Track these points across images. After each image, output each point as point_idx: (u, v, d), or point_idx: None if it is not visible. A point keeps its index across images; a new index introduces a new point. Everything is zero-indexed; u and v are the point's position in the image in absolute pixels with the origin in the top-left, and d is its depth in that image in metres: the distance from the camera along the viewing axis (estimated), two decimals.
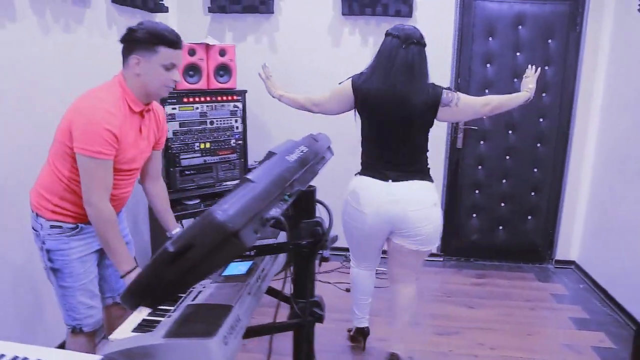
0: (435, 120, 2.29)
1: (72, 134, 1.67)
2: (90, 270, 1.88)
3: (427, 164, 2.36)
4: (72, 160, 1.72)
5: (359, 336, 2.73)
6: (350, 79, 2.37)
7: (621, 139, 3.36)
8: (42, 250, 1.83)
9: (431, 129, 2.33)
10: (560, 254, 4.00)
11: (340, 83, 2.43)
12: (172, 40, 1.71)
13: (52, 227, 1.80)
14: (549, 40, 3.70)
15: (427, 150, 2.36)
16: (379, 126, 2.31)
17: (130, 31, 1.72)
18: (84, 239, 1.84)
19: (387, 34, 2.28)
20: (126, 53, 1.74)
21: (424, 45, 2.26)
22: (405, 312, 2.53)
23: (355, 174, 2.47)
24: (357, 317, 2.72)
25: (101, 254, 1.93)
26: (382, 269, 3.76)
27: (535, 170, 3.90)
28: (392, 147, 2.30)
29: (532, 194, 3.94)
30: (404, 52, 2.19)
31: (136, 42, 1.71)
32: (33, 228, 1.85)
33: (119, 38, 1.75)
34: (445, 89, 2.24)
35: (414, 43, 2.21)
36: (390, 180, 2.28)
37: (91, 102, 1.69)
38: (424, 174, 2.33)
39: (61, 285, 1.84)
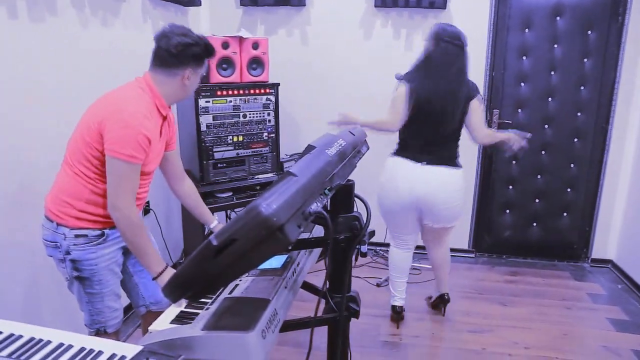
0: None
1: (103, 135, 1.63)
2: (117, 274, 1.87)
3: (458, 152, 2.68)
4: (98, 162, 1.68)
5: (396, 315, 2.93)
6: (404, 84, 2.62)
7: None
8: (64, 262, 1.76)
9: None
10: (597, 252, 3.89)
11: (395, 93, 2.69)
12: (213, 51, 1.78)
13: (76, 236, 1.73)
14: (589, 32, 3.57)
15: (459, 139, 2.68)
16: (425, 118, 2.57)
17: (188, 45, 1.69)
18: (110, 246, 1.80)
19: (440, 39, 2.53)
20: (176, 63, 1.71)
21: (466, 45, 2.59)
22: (446, 265, 2.97)
23: (391, 155, 2.76)
24: (393, 296, 2.93)
25: (124, 254, 1.91)
26: (413, 264, 3.72)
27: (572, 165, 3.79)
28: (431, 135, 2.60)
29: (568, 190, 3.84)
30: (459, 59, 2.55)
31: (193, 57, 1.72)
32: (50, 240, 1.76)
33: (172, 47, 1.69)
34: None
35: (461, 46, 2.55)
36: (424, 163, 2.60)
37: (126, 106, 1.66)
38: (453, 160, 2.65)
39: (88, 292, 1.80)
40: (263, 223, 0.93)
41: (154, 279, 1.75)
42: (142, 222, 1.73)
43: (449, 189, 2.60)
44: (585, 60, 3.62)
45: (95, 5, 2.47)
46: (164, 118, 1.84)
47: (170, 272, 1.75)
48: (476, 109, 2.60)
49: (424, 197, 2.60)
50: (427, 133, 2.61)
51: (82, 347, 1.00)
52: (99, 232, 1.76)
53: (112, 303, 1.86)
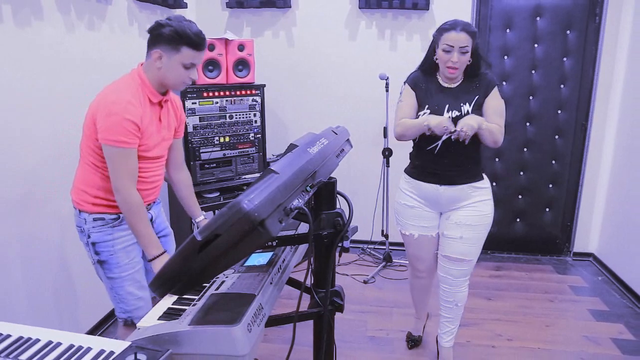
0: None
1: (96, 126, 1.74)
2: (135, 260, 1.93)
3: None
4: (100, 151, 1.78)
5: None
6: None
7: None
8: (87, 245, 1.89)
9: None
10: (579, 246, 3.98)
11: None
12: (196, 43, 1.76)
13: (95, 219, 1.85)
14: (568, 32, 3.66)
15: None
16: None
17: (158, 25, 1.76)
18: (127, 229, 1.89)
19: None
20: (150, 45, 1.79)
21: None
22: None
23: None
24: None
25: None
26: (400, 261, 3.79)
27: (554, 162, 3.88)
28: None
29: (550, 186, 3.92)
30: None
31: (161, 37, 1.75)
32: (77, 226, 1.90)
33: (148, 28, 1.79)
34: None
35: None
36: None
37: (111, 94, 1.75)
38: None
39: (109, 277, 1.90)
40: (245, 218, 0.96)
41: (150, 261, 1.83)
42: (142, 205, 1.81)
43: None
44: (565, 59, 3.70)
45: (81, 9, 2.49)
46: (161, 105, 1.88)
47: (167, 258, 1.80)
48: None
49: None
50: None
51: (71, 344, 1.02)
52: (115, 215, 1.87)
53: (133, 290, 1.92)
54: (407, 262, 3.71)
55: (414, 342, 2.71)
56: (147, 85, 1.82)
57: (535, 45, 3.70)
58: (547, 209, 3.97)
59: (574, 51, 3.68)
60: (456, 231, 2.24)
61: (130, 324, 1.93)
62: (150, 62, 1.80)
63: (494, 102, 2.19)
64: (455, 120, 2.11)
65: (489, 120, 2.16)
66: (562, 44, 3.68)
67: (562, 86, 3.74)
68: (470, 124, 2.03)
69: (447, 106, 2.17)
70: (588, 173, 3.84)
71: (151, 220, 2.02)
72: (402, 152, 3.72)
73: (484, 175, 2.30)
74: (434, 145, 2.18)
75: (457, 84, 2.22)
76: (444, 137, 2.11)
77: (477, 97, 2.18)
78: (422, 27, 3.73)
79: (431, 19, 3.69)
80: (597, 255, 3.91)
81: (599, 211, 3.87)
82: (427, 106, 2.19)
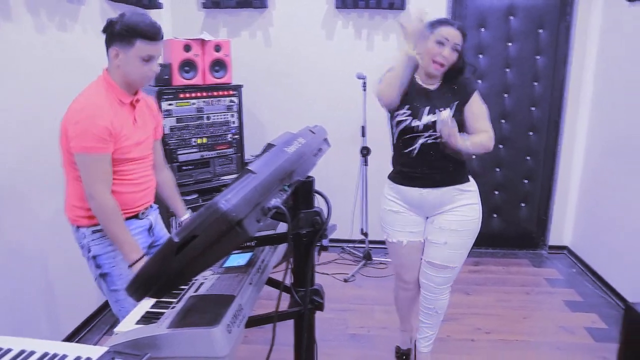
0: None
1: (68, 137, 1.71)
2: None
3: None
4: None
5: None
6: None
7: (611, 126, 3.41)
8: (89, 260, 1.85)
9: None
10: (553, 239, 4.07)
11: None
12: (148, 34, 1.72)
13: (94, 232, 1.83)
14: (540, 30, 3.74)
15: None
16: None
17: (110, 24, 1.73)
18: None
19: None
20: (107, 44, 1.77)
21: None
22: None
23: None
24: None
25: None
26: (380, 259, 3.82)
27: (528, 158, 3.95)
28: None
29: (526, 181, 4.00)
30: None
31: (114, 34, 1.73)
32: (78, 243, 1.87)
33: (102, 29, 1.77)
34: None
35: None
36: None
37: (79, 102, 1.73)
38: None
39: (113, 290, 1.86)
40: (222, 218, 0.96)
41: (130, 266, 1.80)
42: (117, 210, 1.78)
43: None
44: (538, 57, 3.78)
45: (51, 10, 2.44)
46: (133, 105, 1.86)
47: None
48: None
49: None
50: None
51: (45, 353, 0.99)
52: None
53: None
54: (387, 260, 3.75)
55: (404, 355, 2.58)
56: (114, 87, 1.79)
57: (509, 44, 3.77)
58: (523, 204, 4.05)
59: (546, 49, 3.76)
60: (440, 236, 2.17)
61: None
62: (111, 62, 1.78)
63: (477, 107, 2.12)
64: (434, 125, 2.04)
65: (474, 126, 2.10)
66: (535, 43, 3.75)
67: (535, 84, 3.82)
68: (448, 132, 1.95)
69: (427, 109, 2.08)
70: (561, 168, 3.92)
71: (150, 227, 1.99)
72: (381, 151, 3.76)
73: (470, 178, 2.23)
74: (411, 148, 2.12)
75: (436, 86, 2.13)
76: (422, 140, 2.08)
77: (457, 102, 2.10)
78: (398, 26, 3.75)
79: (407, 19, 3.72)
80: (571, 248, 4.00)
81: (572, 205, 3.96)
82: (407, 107, 2.10)
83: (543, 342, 2.76)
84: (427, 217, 2.24)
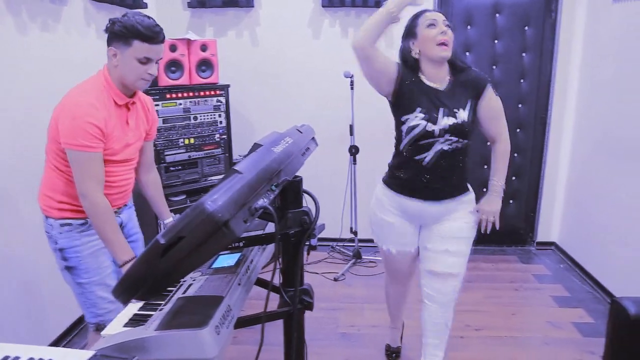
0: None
1: (59, 129, 1.70)
2: (105, 265, 1.89)
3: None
4: (64, 154, 1.74)
5: None
6: None
7: (597, 122, 3.45)
8: (55, 251, 1.86)
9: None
10: (541, 235, 4.10)
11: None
12: (146, 36, 1.71)
13: (62, 225, 1.82)
14: (526, 28, 3.77)
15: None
16: None
17: (111, 23, 1.73)
18: (95, 234, 1.84)
19: None
20: (107, 44, 1.76)
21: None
22: None
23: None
24: None
25: None
26: (370, 257, 3.82)
27: (516, 155, 3.98)
28: None
29: (513, 178, 4.03)
30: None
31: (113, 34, 1.72)
32: (46, 232, 1.87)
33: (103, 28, 1.77)
34: None
35: None
36: None
37: (75, 97, 1.72)
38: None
39: (78, 283, 1.86)
40: (209, 219, 0.95)
41: (120, 266, 1.79)
42: (110, 210, 1.78)
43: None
44: (524, 54, 3.81)
45: (33, 11, 2.41)
46: (128, 107, 1.85)
47: None
48: None
49: None
50: None
51: (31, 358, 0.97)
52: (82, 220, 1.83)
53: (104, 294, 1.87)
54: (376, 258, 3.76)
55: (394, 353, 2.58)
56: (112, 87, 1.78)
57: (496, 41, 3.79)
58: (511, 201, 4.07)
59: (532, 47, 3.79)
60: (440, 244, 2.08)
61: (102, 329, 1.88)
62: (109, 62, 1.77)
63: (492, 104, 1.99)
64: (453, 129, 1.92)
65: (490, 128, 2.03)
66: (521, 40, 3.78)
67: (522, 81, 3.84)
68: (495, 210, 2.03)
69: (442, 111, 1.92)
70: (548, 165, 3.96)
71: (121, 225, 1.98)
72: (369, 149, 3.77)
73: (469, 186, 2.14)
74: (423, 156, 1.96)
75: (445, 85, 1.97)
76: (438, 147, 1.94)
77: (469, 100, 1.96)
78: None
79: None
80: (558, 244, 4.04)
81: (559, 202, 4.00)
82: (419, 109, 1.93)
83: (531, 337, 2.78)
84: (421, 226, 2.14)
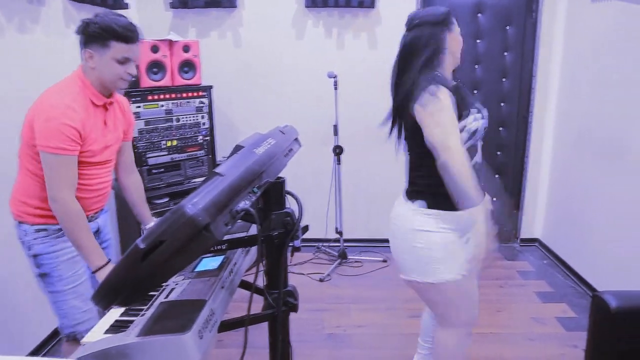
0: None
1: (34, 131, 1.66)
2: (80, 272, 1.85)
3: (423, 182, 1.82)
4: (39, 157, 1.70)
5: None
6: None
7: (578, 120, 3.49)
8: (29, 258, 1.81)
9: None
10: (525, 232, 4.15)
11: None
12: (124, 36, 1.69)
13: (37, 230, 1.78)
14: (507, 27, 3.80)
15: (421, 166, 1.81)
16: None
17: (85, 25, 1.70)
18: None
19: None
20: (81, 46, 1.73)
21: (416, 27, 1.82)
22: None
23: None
24: None
25: None
26: (355, 257, 3.82)
27: (499, 153, 4.02)
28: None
29: (497, 176, 4.06)
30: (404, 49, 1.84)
31: (89, 36, 1.69)
32: (19, 238, 1.82)
33: (77, 29, 1.73)
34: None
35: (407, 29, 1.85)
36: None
37: (50, 99, 1.68)
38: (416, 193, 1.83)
39: (51, 291, 1.82)
40: (189, 223, 0.94)
41: (94, 272, 1.75)
42: (81, 214, 1.73)
43: (393, 228, 1.89)
44: (506, 53, 3.84)
45: (9, 11, 2.36)
46: (106, 108, 1.82)
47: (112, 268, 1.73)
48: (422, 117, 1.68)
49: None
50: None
51: None
52: (58, 226, 1.78)
53: (77, 303, 1.83)
54: (362, 258, 3.76)
55: None
56: (88, 87, 1.75)
57: (478, 41, 3.82)
58: (494, 199, 4.10)
59: (514, 46, 3.83)
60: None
61: (74, 340, 1.84)
62: (85, 63, 1.74)
63: None
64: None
65: None
66: (503, 39, 3.81)
67: (503, 80, 3.88)
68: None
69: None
70: (531, 162, 4.00)
71: (97, 230, 1.95)
72: (353, 150, 3.77)
73: None
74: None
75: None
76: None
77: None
78: (368, 25, 3.77)
79: (377, 17, 3.74)
80: (542, 240, 4.09)
81: (542, 198, 4.05)
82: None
83: (516, 333, 2.81)
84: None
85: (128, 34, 1.70)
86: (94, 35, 1.68)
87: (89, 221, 1.86)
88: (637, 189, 2.77)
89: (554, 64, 3.79)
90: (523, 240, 4.16)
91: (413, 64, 1.75)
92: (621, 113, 2.92)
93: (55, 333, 2.72)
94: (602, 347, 1.30)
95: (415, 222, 1.79)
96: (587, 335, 1.33)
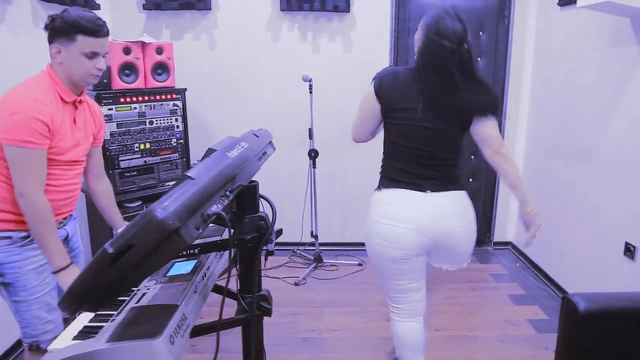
0: None
1: None
2: (46, 282, 1.78)
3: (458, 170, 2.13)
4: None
5: None
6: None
7: (549, 125, 3.58)
8: None
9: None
10: (498, 236, 4.22)
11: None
12: (90, 29, 1.66)
13: (0, 238, 1.69)
14: (481, 33, 3.87)
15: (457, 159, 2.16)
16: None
17: (51, 20, 1.67)
18: (38, 248, 1.73)
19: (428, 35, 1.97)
20: (49, 42, 1.70)
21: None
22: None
23: (378, 189, 2.02)
24: None
25: None
26: (331, 261, 3.82)
27: (473, 157, 4.08)
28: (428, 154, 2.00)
29: (471, 180, 4.13)
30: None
31: (55, 31, 1.67)
32: None
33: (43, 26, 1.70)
34: None
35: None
36: (428, 191, 1.96)
37: (16, 94, 1.64)
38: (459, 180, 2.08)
39: (14, 300, 1.74)
40: (159, 227, 0.93)
41: (54, 272, 1.70)
42: (50, 211, 1.68)
43: (465, 221, 2.05)
44: (479, 59, 3.91)
45: None
46: (75, 106, 1.78)
47: (74, 271, 1.70)
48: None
49: (440, 234, 1.98)
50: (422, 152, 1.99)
51: None
52: (24, 233, 1.71)
53: (42, 313, 1.76)
54: (337, 262, 3.76)
55: None
56: (58, 83, 1.71)
57: None
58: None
59: (487, 52, 3.90)
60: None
61: (36, 349, 1.77)
62: (53, 59, 1.71)
63: None
64: None
65: None
66: (476, 45, 3.88)
67: None
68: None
69: None
70: None
71: (66, 238, 1.89)
72: (328, 153, 3.78)
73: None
74: None
75: None
76: None
77: None
78: (343, 28, 3.79)
79: (352, 21, 3.76)
80: (514, 243, 4.17)
81: (515, 202, 4.09)
82: None
83: (489, 336, 2.85)
84: None
85: (95, 28, 1.67)
86: (61, 30, 1.65)
87: (57, 228, 1.81)
88: (606, 192, 2.85)
89: (525, 69, 3.87)
90: (496, 243, 4.23)
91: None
92: (589, 117, 3.01)
93: (19, 342, 2.64)
94: (571, 348, 1.32)
95: (470, 205, 2.11)
96: (557, 336, 1.36)
